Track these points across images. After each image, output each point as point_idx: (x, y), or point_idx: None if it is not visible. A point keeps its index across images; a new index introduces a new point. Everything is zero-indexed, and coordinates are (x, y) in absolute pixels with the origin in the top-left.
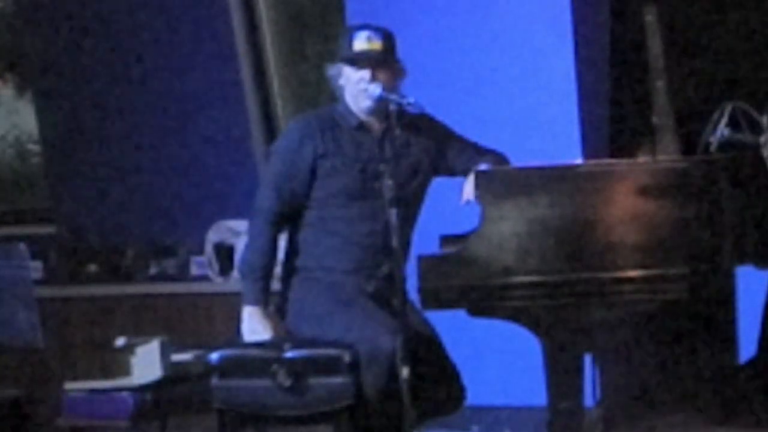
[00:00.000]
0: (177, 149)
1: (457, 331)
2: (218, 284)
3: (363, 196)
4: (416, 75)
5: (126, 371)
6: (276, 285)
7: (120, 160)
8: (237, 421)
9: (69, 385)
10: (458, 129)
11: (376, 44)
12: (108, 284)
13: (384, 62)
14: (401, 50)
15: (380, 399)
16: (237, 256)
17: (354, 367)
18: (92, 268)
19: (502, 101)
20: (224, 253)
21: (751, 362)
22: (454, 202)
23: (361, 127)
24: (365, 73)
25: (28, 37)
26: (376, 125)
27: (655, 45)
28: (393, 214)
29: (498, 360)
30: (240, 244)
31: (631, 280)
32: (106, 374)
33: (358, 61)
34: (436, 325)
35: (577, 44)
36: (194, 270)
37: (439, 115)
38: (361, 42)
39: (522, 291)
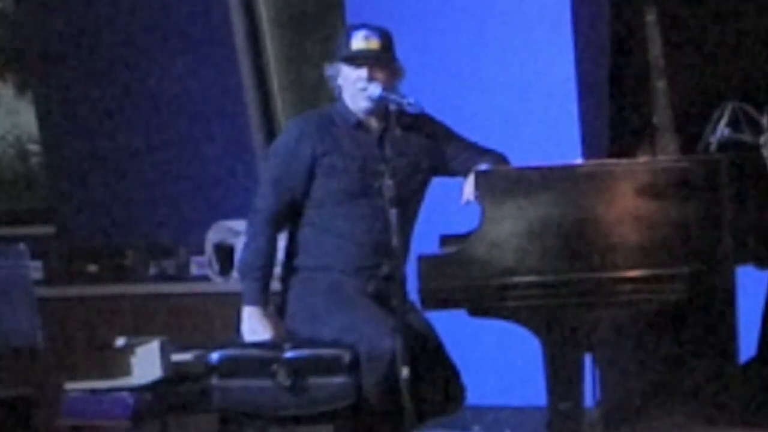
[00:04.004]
0: (177, 149)
1: (457, 331)
2: (218, 284)
3: (362, 196)
4: (416, 75)
5: (126, 371)
6: (276, 285)
7: (120, 160)
8: (237, 421)
9: (69, 385)
10: (458, 129)
11: (374, 43)
12: (108, 284)
13: (381, 61)
14: (401, 50)
15: (380, 399)
16: (237, 256)
17: (354, 367)
18: (92, 268)
19: (502, 101)
20: (224, 253)
21: (751, 362)
22: (454, 202)
23: (360, 126)
24: (362, 72)
25: (28, 37)
26: (374, 124)
27: (655, 45)
28: (393, 213)
29: (498, 360)
30: (240, 244)
31: (631, 280)
32: (106, 374)
33: (355, 60)
34: (436, 325)
35: (577, 44)
36: (194, 270)
37: (439, 115)
38: (359, 41)
39: (522, 291)
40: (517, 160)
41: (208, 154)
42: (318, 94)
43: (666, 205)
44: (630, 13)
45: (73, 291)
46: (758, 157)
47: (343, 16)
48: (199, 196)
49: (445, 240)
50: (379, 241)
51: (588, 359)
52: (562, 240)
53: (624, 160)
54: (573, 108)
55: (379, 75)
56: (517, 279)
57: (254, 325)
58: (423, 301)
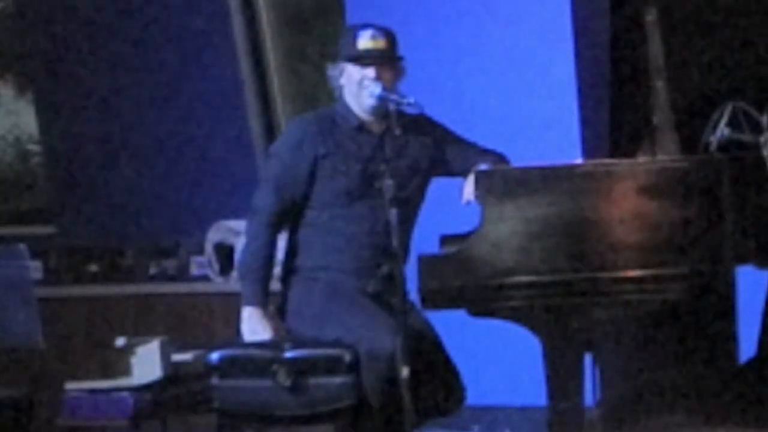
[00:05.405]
0: (177, 149)
1: (457, 331)
2: (218, 284)
3: (363, 196)
4: (416, 75)
5: (126, 371)
6: (276, 285)
7: (120, 160)
8: (237, 421)
9: (69, 385)
10: (458, 129)
11: (381, 43)
12: (108, 284)
13: (388, 61)
14: (401, 50)
15: (380, 399)
16: (237, 257)
17: (354, 367)
18: (92, 268)
19: (502, 101)
20: (224, 253)
21: (751, 362)
22: (454, 202)
23: (361, 127)
24: (370, 71)
25: (28, 37)
26: (375, 125)
27: (655, 45)
28: (393, 214)
29: (498, 360)
30: (240, 244)
31: (631, 280)
32: (106, 374)
33: (362, 59)
34: (436, 325)
35: (577, 44)
36: (194, 270)
37: (439, 115)
38: (366, 40)
39: (522, 291)
40: (517, 160)
41: (208, 154)
42: (318, 94)
43: (666, 205)
44: (630, 13)
45: (73, 291)
46: (758, 157)
47: (343, 16)
48: (199, 196)
49: (445, 240)
50: (379, 242)
51: (588, 359)
52: (562, 240)
53: (624, 160)
54: (573, 108)
55: (386, 74)
56: (517, 279)
57: (254, 326)
58: (423, 301)
